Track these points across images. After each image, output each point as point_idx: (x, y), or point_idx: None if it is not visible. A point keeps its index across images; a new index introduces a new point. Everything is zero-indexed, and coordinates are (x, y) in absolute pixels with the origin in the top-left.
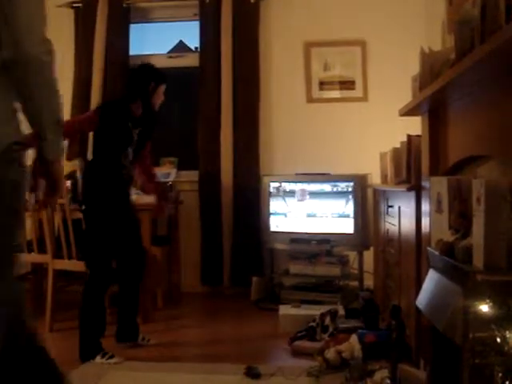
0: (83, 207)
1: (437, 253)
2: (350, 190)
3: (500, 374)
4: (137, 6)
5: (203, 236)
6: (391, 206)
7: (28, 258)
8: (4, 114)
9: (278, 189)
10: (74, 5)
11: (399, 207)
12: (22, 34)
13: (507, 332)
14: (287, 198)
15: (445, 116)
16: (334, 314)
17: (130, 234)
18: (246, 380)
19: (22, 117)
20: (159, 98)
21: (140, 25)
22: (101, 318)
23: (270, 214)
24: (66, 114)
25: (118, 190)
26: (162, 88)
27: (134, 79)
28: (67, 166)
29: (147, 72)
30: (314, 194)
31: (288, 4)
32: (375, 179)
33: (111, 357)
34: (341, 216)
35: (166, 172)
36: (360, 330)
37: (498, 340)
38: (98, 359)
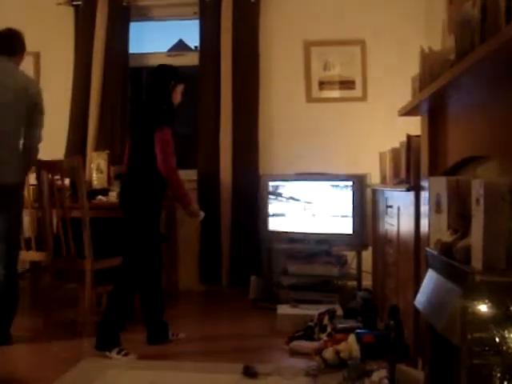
0: (130, 205)
1: (435, 253)
2: (348, 189)
3: (498, 375)
4: (137, 5)
5: (202, 235)
6: (390, 206)
7: (26, 256)
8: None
9: (276, 188)
10: (74, 3)
11: (398, 207)
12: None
13: (506, 332)
14: (286, 198)
15: (444, 116)
16: (332, 314)
17: (160, 235)
18: (244, 379)
19: None
20: (177, 98)
21: (140, 23)
22: (128, 313)
23: (268, 213)
24: (66, 112)
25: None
26: (181, 88)
27: (155, 79)
28: (66, 164)
29: (167, 71)
30: (312, 194)
31: (288, 3)
32: (374, 179)
33: (127, 354)
34: (339, 216)
35: None
36: (358, 330)
37: (497, 340)
38: (114, 354)
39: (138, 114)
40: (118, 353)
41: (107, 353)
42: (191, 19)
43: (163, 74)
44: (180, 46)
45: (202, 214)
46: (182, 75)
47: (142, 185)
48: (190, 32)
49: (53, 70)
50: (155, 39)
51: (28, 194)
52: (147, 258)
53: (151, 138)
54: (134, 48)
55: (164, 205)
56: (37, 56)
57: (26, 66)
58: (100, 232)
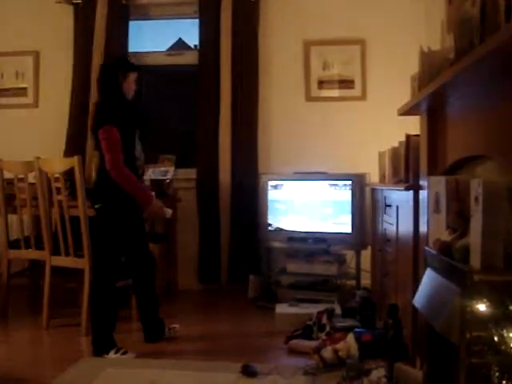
0: (97, 205)
1: (434, 252)
2: (348, 188)
3: (497, 374)
4: (136, 3)
5: (201, 233)
6: (389, 206)
7: (25, 255)
8: None
9: (275, 187)
10: (74, 1)
11: (397, 206)
12: None
13: (504, 331)
14: (285, 197)
15: (443, 116)
16: (330, 313)
17: (143, 234)
18: (242, 378)
19: None
20: (130, 87)
21: (139, 22)
22: (112, 313)
23: (267, 212)
24: (65, 110)
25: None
26: (132, 76)
27: (102, 74)
28: (65, 162)
29: (114, 63)
30: (311, 193)
31: (288, 2)
32: (373, 178)
33: (125, 352)
34: (338, 215)
35: (164, 169)
36: (357, 329)
37: (496, 339)
38: (112, 354)
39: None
40: (116, 353)
41: (105, 355)
42: (191, 18)
43: (109, 68)
44: (179, 45)
45: (169, 210)
46: (131, 63)
47: (112, 184)
48: (189, 31)
49: (52, 69)
50: (154, 38)
51: (27, 192)
52: (139, 258)
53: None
54: (133, 47)
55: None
56: (36, 55)
57: (26, 64)
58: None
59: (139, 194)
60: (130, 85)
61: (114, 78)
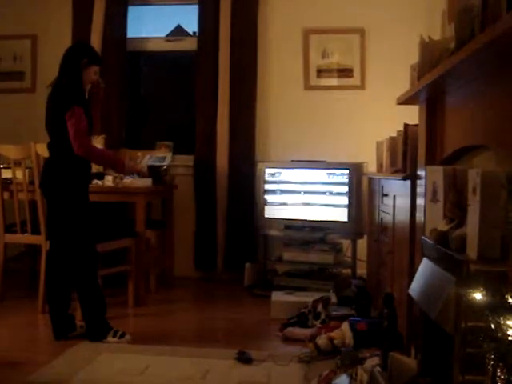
0: (49, 191)
1: (431, 242)
2: (345, 178)
3: (492, 362)
4: None
5: (197, 220)
6: (386, 195)
7: (22, 239)
8: None
9: (273, 175)
10: None
11: (394, 196)
12: None
13: (501, 318)
14: (282, 185)
15: (442, 105)
16: (326, 302)
17: (88, 226)
18: (238, 365)
19: None
20: (89, 77)
21: (138, 7)
22: (99, 297)
23: (264, 200)
24: None
25: (87, 173)
26: (94, 68)
27: (68, 55)
28: None
29: (82, 48)
30: (309, 182)
31: None
32: (371, 168)
33: (122, 335)
34: (335, 204)
35: (162, 156)
36: (352, 318)
37: (492, 326)
38: (110, 338)
39: (51, 96)
40: (114, 336)
41: (104, 340)
42: (190, 4)
43: (76, 51)
44: (178, 32)
45: (144, 163)
46: (98, 57)
47: (62, 170)
48: (188, 17)
49: (50, 53)
50: (153, 24)
51: (24, 176)
52: (78, 247)
53: (63, 120)
54: (132, 32)
55: (160, 191)
56: (34, 38)
57: (24, 48)
58: (96, 216)
59: (113, 164)
60: (90, 75)
61: (78, 62)
